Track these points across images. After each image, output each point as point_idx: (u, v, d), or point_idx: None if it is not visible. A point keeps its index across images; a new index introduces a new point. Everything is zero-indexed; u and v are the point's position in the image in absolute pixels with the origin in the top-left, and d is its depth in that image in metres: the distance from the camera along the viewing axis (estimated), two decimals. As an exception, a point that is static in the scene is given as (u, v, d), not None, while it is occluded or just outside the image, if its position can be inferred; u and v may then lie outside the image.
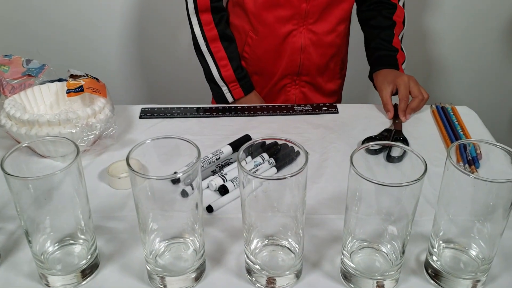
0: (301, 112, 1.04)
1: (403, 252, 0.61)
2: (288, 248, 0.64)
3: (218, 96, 1.19)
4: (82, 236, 0.65)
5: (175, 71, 1.83)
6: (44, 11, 1.70)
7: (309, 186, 0.79)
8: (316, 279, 0.65)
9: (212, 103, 1.26)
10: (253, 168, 0.81)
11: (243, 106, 1.06)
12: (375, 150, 0.79)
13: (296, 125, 1.00)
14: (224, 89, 1.17)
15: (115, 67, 1.83)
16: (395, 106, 1.04)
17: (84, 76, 0.92)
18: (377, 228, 0.61)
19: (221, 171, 0.83)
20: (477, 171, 0.81)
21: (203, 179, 0.81)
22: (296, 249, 0.63)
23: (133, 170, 0.55)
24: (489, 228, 0.60)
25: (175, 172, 0.56)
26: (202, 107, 1.05)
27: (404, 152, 0.62)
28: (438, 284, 0.63)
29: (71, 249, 0.65)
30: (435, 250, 0.63)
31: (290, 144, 0.63)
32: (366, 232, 0.62)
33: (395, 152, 0.77)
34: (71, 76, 0.91)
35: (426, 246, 0.66)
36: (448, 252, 0.64)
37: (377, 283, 0.62)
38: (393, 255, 0.62)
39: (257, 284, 0.64)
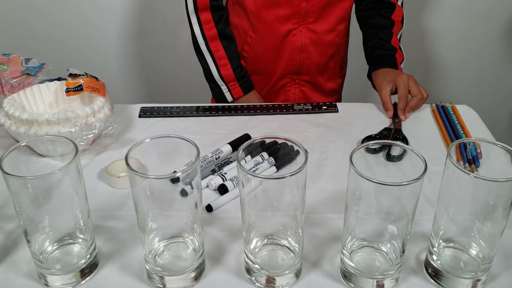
0: (300, 111, 1.04)
1: (403, 252, 0.61)
2: (287, 247, 0.64)
3: (217, 95, 1.19)
4: (81, 236, 0.64)
5: (175, 70, 1.82)
6: (43, 10, 1.70)
7: (309, 185, 0.79)
8: (316, 278, 0.65)
9: (212, 102, 1.26)
10: (253, 167, 0.81)
11: (243, 105, 1.06)
12: (375, 149, 0.79)
13: (296, 124, 1.00)
14: (224, 88, 1.17)
15: (115, 66, 1.83)
16: (395, 105, 1.04)
17: (83, 75, 0.92)
18: (377, 227, 0.61)
19: (221, 170, 0.83)
20: (477, 170, 0.81)
21: (202, 178, 0.81)
22: (296, 248, 0.63)
23: (132, 170, 0.55)
24: (489, 227, 0.60)
25: (175, 171, 0.56)
26: (202, 106, 1.05)
27: (404, 151, 0.62)
28: (438, 284, 0.63)
29: (70, 248, 0.65)
30: (435, 249, 0.63)
31: (289, 143, 0.63)
32: (366, 231, 0.62)
33: (395, 151, 0.77)
34: (70, 75, 0.91)
35: (426, 246, 0.66)
36: (448, 252, 0.64)
37: (377, 282, 0.62)
38: (393, 255, 0.62)
39: (257, 284, 0.64)
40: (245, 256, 0.64)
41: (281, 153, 0.83)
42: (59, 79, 0.97)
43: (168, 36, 1.76)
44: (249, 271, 0.64)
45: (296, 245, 0.63)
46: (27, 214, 0.59)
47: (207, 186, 0.80)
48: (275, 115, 1.03)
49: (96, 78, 0.93)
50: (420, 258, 0.67)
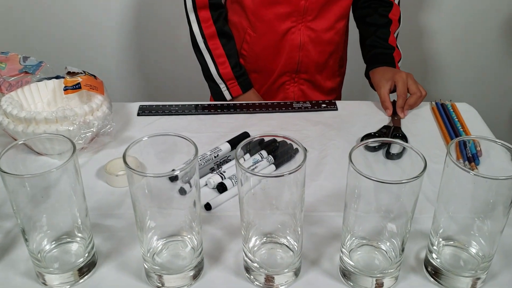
0: (300, 109, 1.04)
1: (403, 250, 0.61)
2: (286, 246, 0.64)
3: (216, 93, 1.19)
4: (79, 234, 0.64)
5: (173, 68, 1.82)
6: (42, 8, 1.69)
7: (308, 183, 0.79)
8: (315, 277, 0.65)
9: (211, 101, 1.26)
10: (252, 166, 0.80)
11: (242, 103, 1.06)
12: (374, 147, 0.79)
13: (295, 122, 1.00)
14: (222, 86, 1.17)
15: (113, 64, 1.82)
16: (394, 103, 1.03)
17: (81, 73, 0.91)
18: (376, 226, 0.61)
19: (220, 169, 0.82)
20: (477, 168, 0.80)
21: (201, 177, 0.81)
22: (295, 246, 0.63)
23: (130, 168, 0.55)
24: (489, 225, 0.59)
25: (173, 170, 0.56)
26: (201, 104, 1.05)
27: (404, 149, 0.62)
28: (438, 282, 0.63)
29: (68, 247, 0.65)
30: (434, 247, 0.63)
31: (288, 141, 0.63)
32: (365, 229, 0.62)
33: (394, 149, 0.77)
34: (69, 73, 0.91)
35: (426, 244, 0.66)
36: (448, 250, 0.64)
37: (376, 281, 0.62)
38: (393, 253, 0.62)
39: (256, 282, 0.63)
40: (244, 254, 0.64)
41: (280, 151, 0.82)
42: (57, 77, 0.97)
43: (167, 34, 1.76)
44: (248, 269, 0.64)
45: (295, 243, 0.63)
46: (24, 212, 0.59)
47: (206, 184, 0.80)
48: (274, 113, 1.03)
49: (95, 76, 0.93)
50: (419, 256, 0.67)
